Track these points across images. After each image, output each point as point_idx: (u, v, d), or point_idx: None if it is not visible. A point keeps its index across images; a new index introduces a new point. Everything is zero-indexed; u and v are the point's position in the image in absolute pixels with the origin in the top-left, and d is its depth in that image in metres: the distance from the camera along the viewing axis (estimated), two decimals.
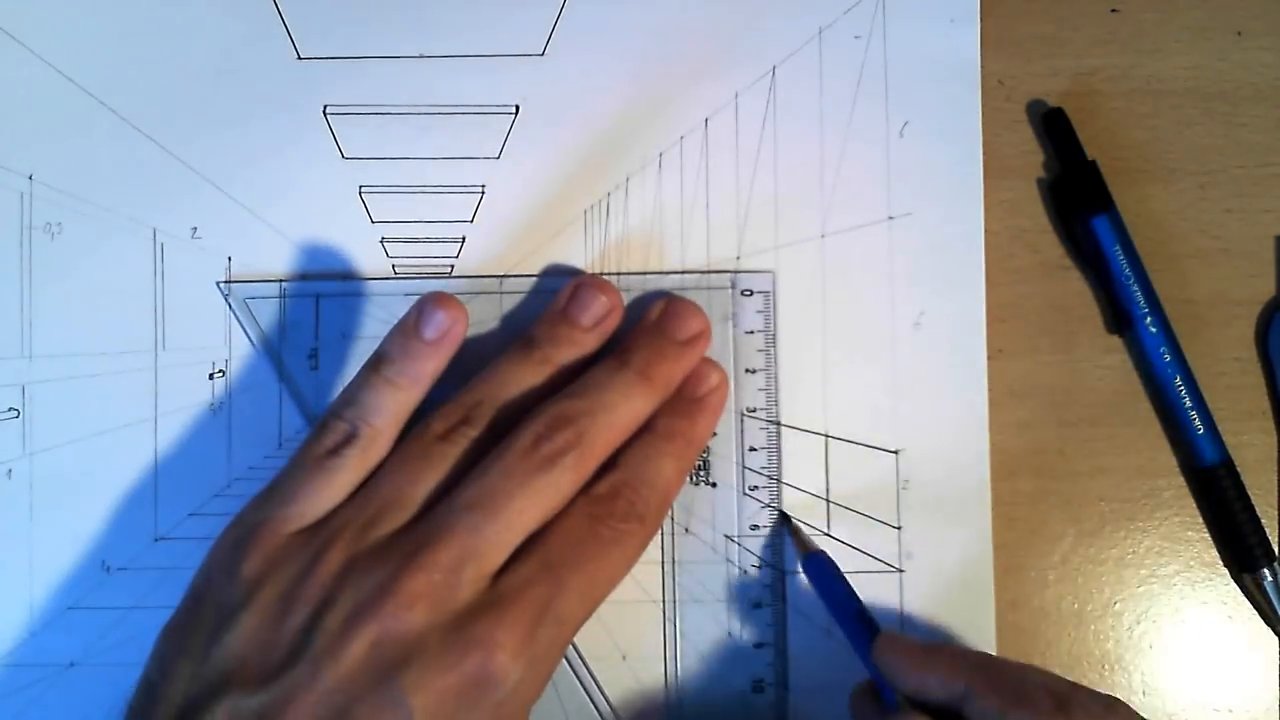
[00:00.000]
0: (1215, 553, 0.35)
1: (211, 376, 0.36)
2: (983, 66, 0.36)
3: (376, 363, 0.32)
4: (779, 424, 0.35)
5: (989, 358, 0.35)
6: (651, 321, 0.33)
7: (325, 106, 0.36)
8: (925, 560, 0.35)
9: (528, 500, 0.29)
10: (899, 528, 0.35)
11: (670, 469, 0.31)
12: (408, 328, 0.32)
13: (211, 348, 0.36)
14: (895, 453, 0.35)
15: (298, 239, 0.36)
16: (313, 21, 0.36)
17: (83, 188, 0.36)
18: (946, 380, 0.35)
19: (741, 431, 0.35)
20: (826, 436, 0.35)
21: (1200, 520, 0.35)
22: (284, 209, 0.36)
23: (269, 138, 0.36)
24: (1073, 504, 0.35)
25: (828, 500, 0.35)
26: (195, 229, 0.36)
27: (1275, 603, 0.34)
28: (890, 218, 0.35)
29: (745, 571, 0.35)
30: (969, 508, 0.35)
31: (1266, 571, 0.34)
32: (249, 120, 0.36)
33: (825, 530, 0.35)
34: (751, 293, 0.35)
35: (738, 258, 0.35)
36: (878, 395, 0.35)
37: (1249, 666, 0.35)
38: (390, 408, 0.31)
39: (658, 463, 0.31)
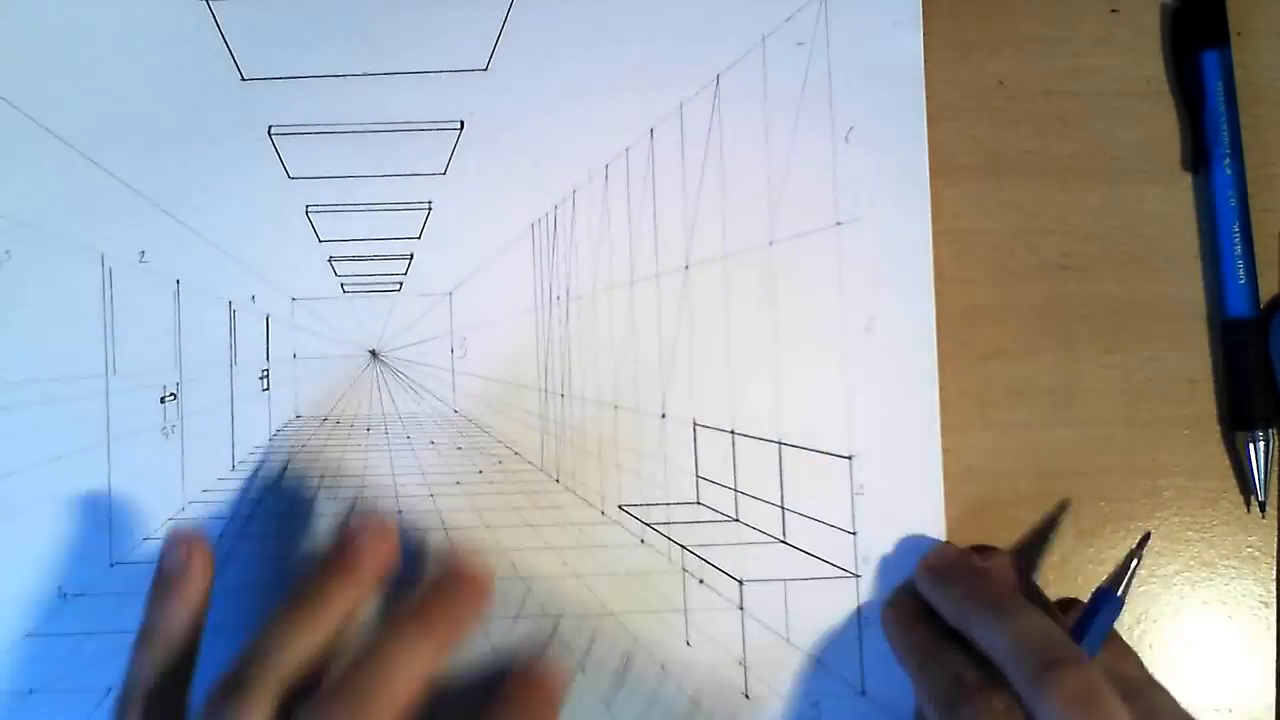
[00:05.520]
0: (1215, 551, 0.35)
1: (163, 400, 0.36)
2: (983, 67, 0.36)
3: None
4: (733, 433, 0.35)
5: (987, 358, 0.35)
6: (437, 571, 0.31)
7: (270, 127, 0.36)
8: (882, 565, 0.34)
9: None
10: (854, 533, 0.34)
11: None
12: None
13: (162, 371, 0.36)
14: (849, 458, 0.35)
15: (245, 260, 0.36)
16: (256, 43, 0.36)
17: (30, 214, 0.36)
18: (898, 384, 0.35)
19: (695, 442, 0.35)
20: (780, 444, 0.35)
21: (1200, 521, 0.35)
22: (231, 231, 0.36)
23: (215, 160, 0.36)
24: (1073, 504, 0.35)
25: (783, 507, 0.35)
26: (143, 253, 0.36)
27: (1256, 467, 0.34)
28: (838, 223, 0.35)
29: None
30: (924, 511, 0.34)
31: (1260, 434, 0.34)
32: (194, 143, 0.36)
33: (781, 537, 0.35)
34: None
35: (686, 267, 0.35)
36: (830, 401, 0.35)
37: (1248, 666, 0.35)
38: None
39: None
